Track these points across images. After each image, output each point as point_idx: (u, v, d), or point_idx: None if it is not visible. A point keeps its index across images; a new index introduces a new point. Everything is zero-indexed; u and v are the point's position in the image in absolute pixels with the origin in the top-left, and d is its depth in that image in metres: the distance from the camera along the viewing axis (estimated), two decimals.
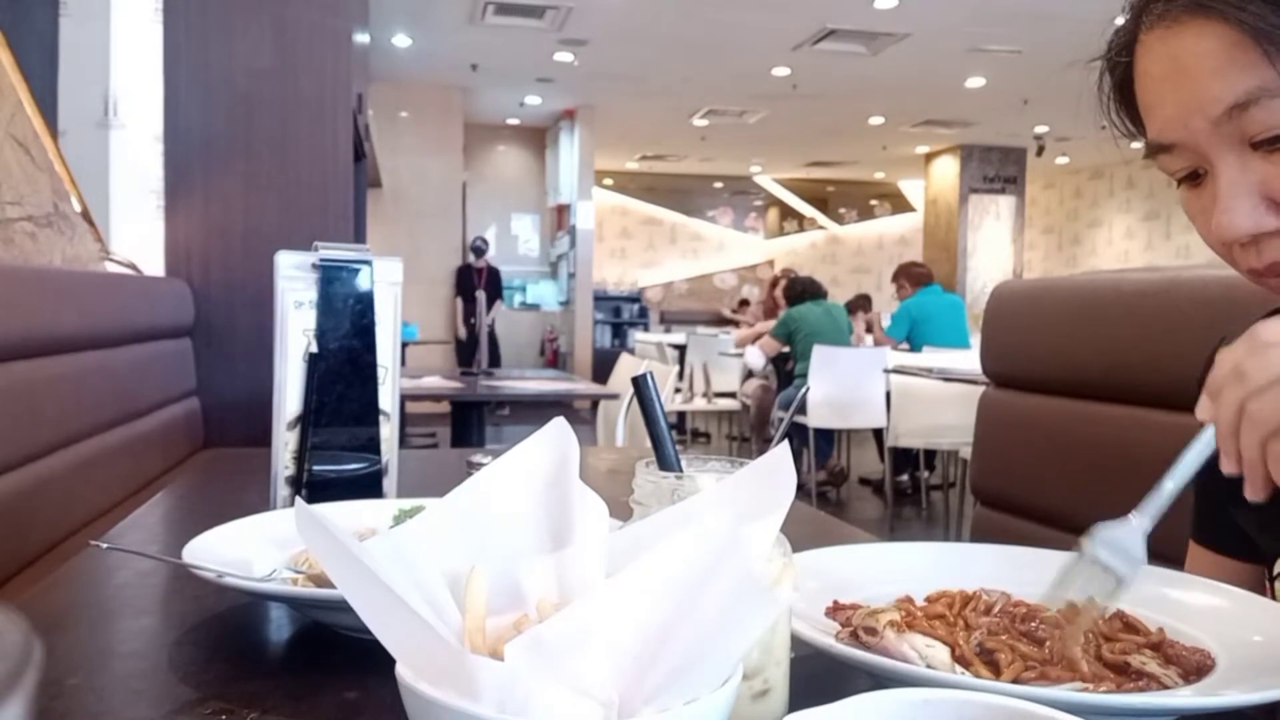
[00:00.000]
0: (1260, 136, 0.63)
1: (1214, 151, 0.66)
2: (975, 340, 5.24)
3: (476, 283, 9.61)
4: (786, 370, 6.28)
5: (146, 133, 2.23)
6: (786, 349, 6.13)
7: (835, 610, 0.65)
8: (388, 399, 1.05)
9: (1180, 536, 0.86)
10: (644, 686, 0.40)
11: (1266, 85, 0.62)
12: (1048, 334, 1.42)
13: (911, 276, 6.63)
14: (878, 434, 6.04)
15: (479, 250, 10.09)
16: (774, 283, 7.33)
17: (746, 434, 7.56)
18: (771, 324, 6.87)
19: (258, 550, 0.78)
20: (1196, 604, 0.68)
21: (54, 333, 1.37)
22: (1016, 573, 0.74)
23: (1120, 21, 0.74)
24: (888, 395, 5.44)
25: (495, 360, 9.45)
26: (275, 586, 0.71)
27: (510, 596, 0.47)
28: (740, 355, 7.11)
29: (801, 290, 6.24)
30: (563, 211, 11.28)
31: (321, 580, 0.71)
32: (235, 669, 0.65)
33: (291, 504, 0.99)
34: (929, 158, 12.90)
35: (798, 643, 0.56)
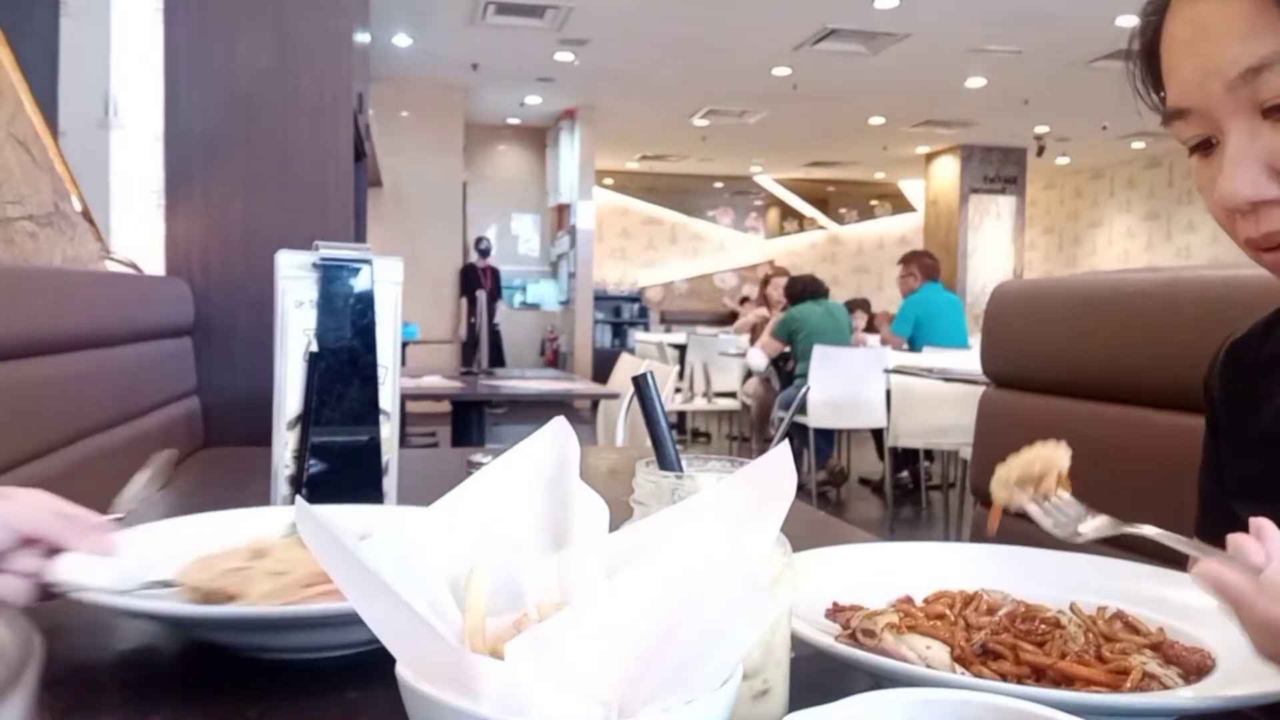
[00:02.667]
0: (1273, 102, 0.63)
1: (1225, 117, 0.66)
2: (975, 340, 5.23)
3: (483, 282, 9.63)
4: (787, 370, 6.27)
5: (146, 133, 2.23)
6: (788, 349, 6.10)
7: (835, 612, 0.65)
8: (388, 399, 1.05)
9: (1184, 535, 0.86)
10: (644, 686, 0.40)
11: None
12: (1048, 334, 1.42)
13: (923, 267, 6.48)
14: (877, 434, 6.04)
15: (486, 250, 10.12)
16: (765, 280, 7.28)
17: (746, 434, 7.56)
18: (764, 311, 6.87)
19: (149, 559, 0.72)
20: (1196, 604, 0.68)
21: (54, 333, 1.37)
22: (1016, 573, 0.74)
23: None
24: (888, 395, 5.44)
25: (499, 360, 9.45)
26: (138, 602, 0.64)
27: (510, 596, 0.47)
28: (742, 354, 7.10)
29: (803, 289, 6.20)
30: (563, 211, 11.28)
31: (212, 595, 0.66)
32: (236, 669, 0.65)
33: (291, 503, 0.99)
34: (929, 158, 12.90)
35: (798, 643, 0.56)
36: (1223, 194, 0.66)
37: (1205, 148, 0.70)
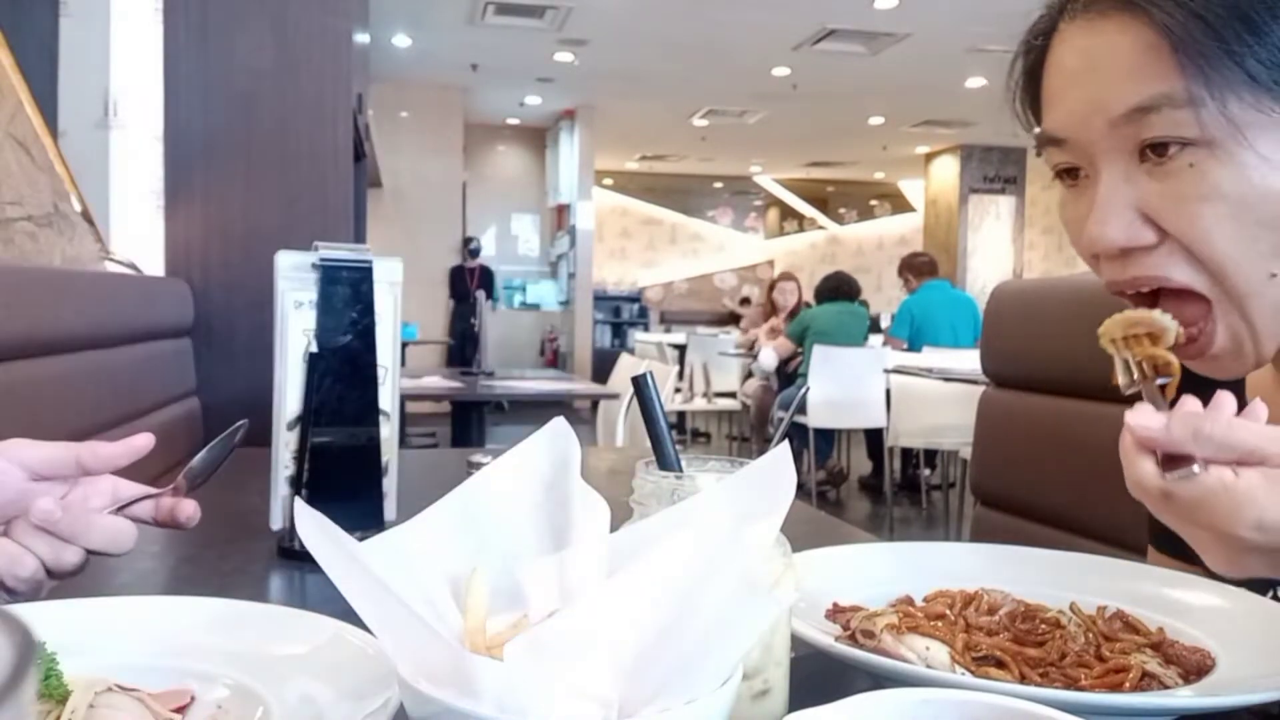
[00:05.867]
0: (1153, 141, 0.62)
1: (1102, 155, 0.65)
2: None
3: (470, 283, 9.63)
4: (788, 371, 6.25)
5: (146, 133, 2.23)
6: (801, 349, 6.05)
7: (835, 613, 0.65)
8: (388, 399, 1.05)
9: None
10: (644, 686, 0.40)
11: (1172, 95, 0.61)
12: (1048, 334, 1.42)
13: (914, 268, 6.37)
14: (869, 435, 6.03)
15: (476, 251, 10.13)
16: (772, 285, 7.22)
17: (746, 434, 7.56)
18: (766, 327, 6.83)
19: None
20: (1196, 604, 0.68)
21: (54, 333, 1.37)
22: (1016, 573, 0.74)
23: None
24: (888, 395, 5.43)
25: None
26: None
27: (510, 597, 0.47)
28: (744, 354, 7.08)
29: (829, 288, 6.10)
30: (563, 211, 11.28)
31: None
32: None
33: (291, 504, 0.99)
34: (929, 158, 12.90)
35: (798, 643, 0.56)
36: (1092, 237, 0.65)
37: (1072, 176, 0.69)
